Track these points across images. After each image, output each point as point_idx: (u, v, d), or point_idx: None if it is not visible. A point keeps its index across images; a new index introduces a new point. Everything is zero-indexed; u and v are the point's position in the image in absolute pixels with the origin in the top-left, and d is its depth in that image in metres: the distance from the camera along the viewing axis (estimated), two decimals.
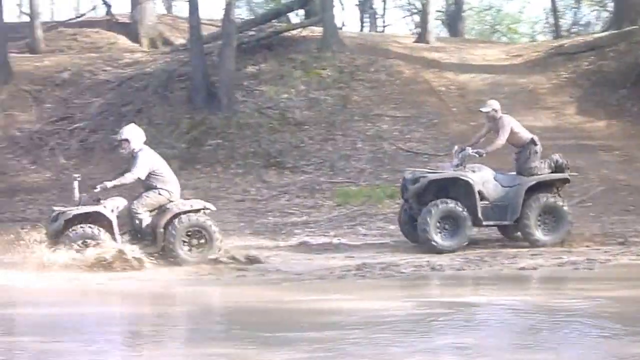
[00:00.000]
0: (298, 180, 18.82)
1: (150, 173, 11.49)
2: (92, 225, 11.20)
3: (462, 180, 12.28)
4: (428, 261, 11.78)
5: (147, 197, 11.55)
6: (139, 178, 11.48)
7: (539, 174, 12.57)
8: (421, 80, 22.21)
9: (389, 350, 7.17)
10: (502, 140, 12.51)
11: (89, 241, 11.10)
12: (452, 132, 19.69)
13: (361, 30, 36.26)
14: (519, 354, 7.14)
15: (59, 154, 21.24)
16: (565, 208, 12.59)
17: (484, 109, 12.78)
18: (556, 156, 12.80)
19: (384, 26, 39.66)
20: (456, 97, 21.50)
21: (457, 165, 12.47)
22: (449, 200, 12.21)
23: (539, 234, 12.47)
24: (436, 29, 30.57)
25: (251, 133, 20.49)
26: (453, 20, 31.95)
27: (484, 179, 12.43)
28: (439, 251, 12.19)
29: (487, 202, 12.40)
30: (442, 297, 10.02)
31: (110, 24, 28.68)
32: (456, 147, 12.81)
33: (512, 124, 12.62)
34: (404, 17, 41.45)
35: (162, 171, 11.60)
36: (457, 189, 12.35)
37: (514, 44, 30.78)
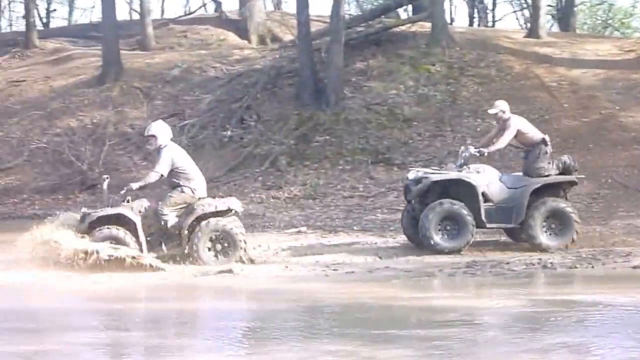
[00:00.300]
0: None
1: (173, 169, 11.51)
2: (118, 227, 11.31)
3: (465, 181, 12.16)
4: (540, 259, 11.76)
5: (171, 196, 11.57)
6: (162, 175, 11.53)
7: (547, 175, 12.40)
8: (532, 75, 21.97)
9: (499, 348, 7.24)
10: (504, 141, 12.49)
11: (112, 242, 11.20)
12: (564, 128, 19.45)
13: (470, 25, 36.01)
14: (631, 353, 7.10)
15: None
16: (572, 212, 12.33)
17: (491, 111, 12.73)
18: (565, 157, 12.65)
19: (494, 21, 39.29)
20: (568, 92, 21.19)
21: (461, 166, 12.38)
22: (451, 201, 12.10)
23: (543, 238, 12.26)
24: (547, 23, 30.15)
25: (359, 129, 20.63)
26: (564, 15, 31.42)
27: (488, 180, 12.33)
28: (438, 252, 12.12)
29: (491, 204, 12.28)
30: (554, 296, 10.01)
31: (220, 21, 29.31)
32: (462, 148, 12.76)
33: (520, 125, 12.55)
34: (514, 12, 40.90)
35: (185, 167, 11.59)
36: (461, 190, 12.22)
37: (626, 39, 30.07)
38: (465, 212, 11.97)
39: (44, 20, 36.95)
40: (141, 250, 11.27)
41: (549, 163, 12.36)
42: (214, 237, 11.50)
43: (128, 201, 11.61)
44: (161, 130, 11.65)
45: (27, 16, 30.16)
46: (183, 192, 11.50)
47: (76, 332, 8.17)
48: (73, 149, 21.38)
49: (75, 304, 9.82)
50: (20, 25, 33.32)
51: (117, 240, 11.15)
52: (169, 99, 23.84)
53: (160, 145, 11.54)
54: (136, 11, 32.45)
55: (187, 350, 7.47)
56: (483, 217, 12.09)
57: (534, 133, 12.61)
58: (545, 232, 12.23)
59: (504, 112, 12.50)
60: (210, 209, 11.57)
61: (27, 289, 10.31)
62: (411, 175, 12.55)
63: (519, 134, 12.46)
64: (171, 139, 11.78)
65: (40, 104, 24.26)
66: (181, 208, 11.57)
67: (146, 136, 11.80)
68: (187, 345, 7.72)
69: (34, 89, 25.47)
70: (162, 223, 11.47)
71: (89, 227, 11.31)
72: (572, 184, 12.60)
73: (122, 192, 11.54)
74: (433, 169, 12.85)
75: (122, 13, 34.91)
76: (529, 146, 12.57)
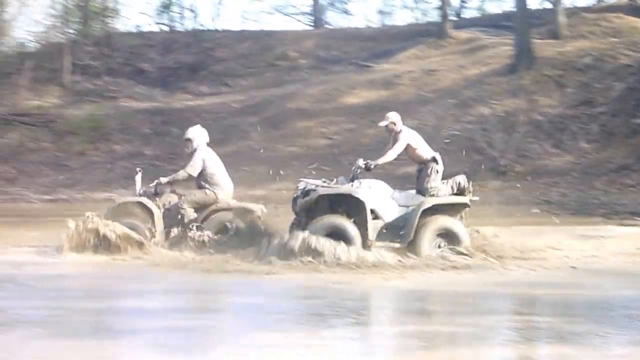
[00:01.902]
0: None
1: (202, 172, 12.44)
2: (137, 216, 12.25)
3: (353, 197, 11.65)
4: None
5: (194, 194, 12.49)
6: (190, 175, 12.46)
7: (438, 195, 11.89)
8: None
9: None
10: (391, 154, 12.02)
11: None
12: None
13: None
14: None
15: (579, 138, 22.88)
16: (463, 233, 11.67)
17: (381, 123, 12.23)
18: (459, 178, 12.02)
19: None
20: None
21: (352, 180, 11.88)
22: (335, 216, 11.60)
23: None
24: None
25: None
26: None
27: (379, 197, 11.86)
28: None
29: (381, 221, 11.75)
30: None
31: (632, 9, 29.63)
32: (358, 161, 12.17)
33: (411, 139, 12.06)
34: None
35: (214, 172, 12.47)
36: (349, 205, 11.69)
37: None
38: (350, 227, 11.48)
39: (457, 11, 39.40)
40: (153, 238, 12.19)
41: (443, 183, 11.96)
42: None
43: (157, 194, 12.55)
44: (197, 135, 12.68)
45: (442, 7, 32.71)
46: (206, 194, 12.45)
47: (486, 315, 8.49)
48: (485, 136, 23.12)
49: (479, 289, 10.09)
50: (434, 16, 36.00)
51: (132, 228, 12.09)
52: (580, 87, 24.82)
53: (195, 148, 12.58)
54: (548, 0, 33.71)
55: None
56: (370, 235, 11.58)
57: (424, 150, 12.13)
58: (434, 252, 11.62)
59: (394, 124, 12.11)
60: (223, 206, 12.48)
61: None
62: (301, 186, 12.12)
63: (409, 149, 12.09)
64: (207, 144, 12.69)
65: (454, 93, 26.38)
66: (200, 207, 12.46)
67: (184, 139, 12.77)
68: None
69: (448, 77, 27.70)
70: (180, 216, 12.34)
71: (112, 214, 12.38)
72: (464, 206, 11.94)
73: (152, 184, 12.60)
74: (324, 182, 12.10)
75: (533, 2, 36.28)
76: (419, 163, 12.16)
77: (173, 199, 12.53)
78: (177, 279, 10.49)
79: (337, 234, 11.36)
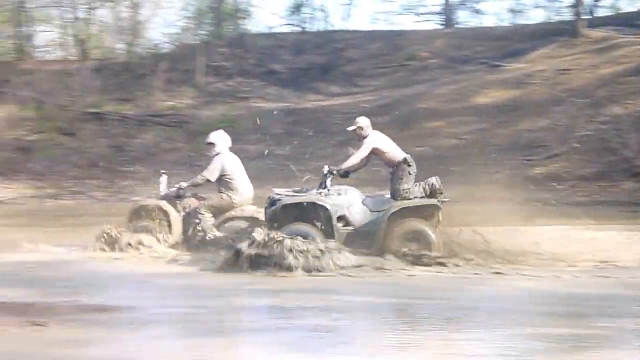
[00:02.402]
0: None
1: (221, 176, 12.57)
2: (153, 219, 12.55)
3: (319, 204, 11.65)
4: None
5: (212, 199, 12.68)
6: (208, 180, 12.60)
7: (410, 198, 11.75)
8: None
9: None
10: (355, 158, 11.99)
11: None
12: None
13: None
14: None
15: None
16: (433, 236, 11.52)
17: (349, 128, 12.18)
18: (433, 180, 11.90)
19: None
20: None
21: (320, 187, 11.89)
22: (300, 225, 11.54)
23: (402, 265, 11.31)
24: None
25: None
26: None
27: (349, 203, 11.83)
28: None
29: (352, 228, 11.73)
30: None
31: None
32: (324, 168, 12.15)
33: (378, 144, 12.03)
34: None
35: (233, 177, 12.59)
36: (316, 213, 11.67)
37: None
38: (314, 234, 11.42)
39: (591, 9, 38.86)
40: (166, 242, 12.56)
41: (416, 185, 11.85)
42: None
43: (179, 197, 12.77)
44: (219, 139, 12.83)
45: (576, 6, 32.40)
46: (223, 198, 12.64)
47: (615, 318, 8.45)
48: (619, 137, 22.86)
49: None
50: (567, 15, 35.66)
51: (148, 232, 12.51)
52: None
53: (217, 152, 12.72)
54: None
55: None
56: (337, 241, 11.49)
57: (395, 153, 12.06)
58: (405, 255, 11.50)
59: (362, 129, 12.06)
60: (237, 214, 12.66)
61: None
62: (273, 195, 12.23)
63: (379, 153, 12.05)
64: (229, 148, 12.86)
65: (587, 93, 26.12)
66: (217, 212, 12.64)
67: (206, 143, 12.90)
68: None
69: (581, 77, 27.44)
70: (197, 221, 12.57)
71: (130, 217, 12.88)
72: (436, 208, 11.75)
73: (173, 189, 12.86)
74: (294, 191, 12.22)
75: None
76: (391, 167, 12.03)
77: (193, 203, 12.79)
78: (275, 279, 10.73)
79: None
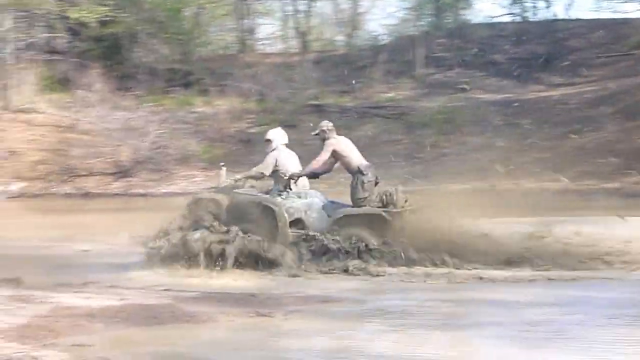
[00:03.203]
0: None
1: (275, 171, 12.46)
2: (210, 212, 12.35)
3: (268, 206, 11.94)
4: None
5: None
6: (262, 173, 12.58)
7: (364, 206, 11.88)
8: None
9: None
10: (316, 162, 12.18)
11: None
12: None
13: None
14: None
15: None
16: (371, 242, 11.56)
17: (314, 132, 12.41)
18: (391, 189, 11.87)
19: None
20: None
21: (284, 188, 12.15)
22: (240, 227, 11.70)
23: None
24: None
25: None
26: None
27: (307, 207, 12.06)
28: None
29: (307, 232, 11.85)
30: None
31: None
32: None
33: (339, 147, 12.17)
34: None
35: (286, 172, 12.38)
36: (263, 213, 11.92)
37: None
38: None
39: None
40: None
41: (374, 194, 11.87)
42: None
43: (235, 189, 12.61)
44: (276, 136, 12.87)
45: None
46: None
47: None
48: None
49: None
50: None
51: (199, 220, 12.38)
52: None
53: (273, 148, 12.69)
54: None
55: None
56: (282, 242, 11.72)
57: (353, 159, 12.11)
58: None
59: (324, 131, 12.21)
60: None
61: None
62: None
63: (338, 157, 12.17)
64: (285, 145, 12.81)
65: None
66: None
67: (264, 140, 12.95)
68: None
69: None
70: None
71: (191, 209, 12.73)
72: (381, 217, 11.66)
73: (232, 179, 12.82)
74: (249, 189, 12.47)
75: None
76: (350, 173, 12.14)
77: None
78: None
79: None
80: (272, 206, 11.99)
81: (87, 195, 26.61)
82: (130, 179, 27.64)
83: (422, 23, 35.17)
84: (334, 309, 8.92)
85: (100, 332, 7.60)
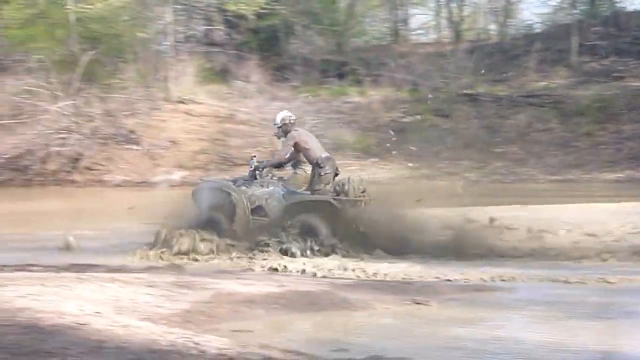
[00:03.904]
0: None
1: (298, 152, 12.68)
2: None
3: (225, 192, 12.75)
4: None
5: (293, 177, 12.95)
6: (286, 158, 12.80)
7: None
8: None
9: None
10: (280, 154, 12.96)
11: None
12: None
13: None
14: None
15: None
16: (321, 228, 12.25)
17: (275, 124, 12.90)
18: (345, 180, 12.59)
19: None
20: None
21: (251, 177, 12.84)
22: (208, 214, 12.67)
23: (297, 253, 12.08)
24: None
25: None
26: None
27: (268, 195, 12.66)
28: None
29: (267, 219, 12.58)
30: None
31: None
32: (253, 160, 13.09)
33: (301, 139, 12.69)
34: None
35: (309, 152, 12.57)
36: (225, 200, 12.72)
37: None
38: (217, 220, 12.59)
39: None
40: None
41: (327, 184, 12.48)
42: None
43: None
44: (288, 119, 12.83)
45: None
46: (296, 173, 13.04)
47: None
48: None
49: None
50: None
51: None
52: None
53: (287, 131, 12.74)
54: None
55: None
56: (237, 229, 12.56)
57: (313, 151, 12.63)
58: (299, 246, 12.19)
59: (285, 124, 12.73)
60: None
61: None
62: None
63: (300, 149, 12.67)
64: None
65: None
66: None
67: (274, 125, 12.96)
68: None
69: None
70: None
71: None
72: (328, 204, 12.35)
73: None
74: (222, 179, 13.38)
75: None
76: (310, 164, 12.67)
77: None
78: None
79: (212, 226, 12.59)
80: (231, 192, 12.79)
81: None
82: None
83: (577, 11, 34.36)
84: (488, 298, 8.85)
85: (261, 318, 7.76)
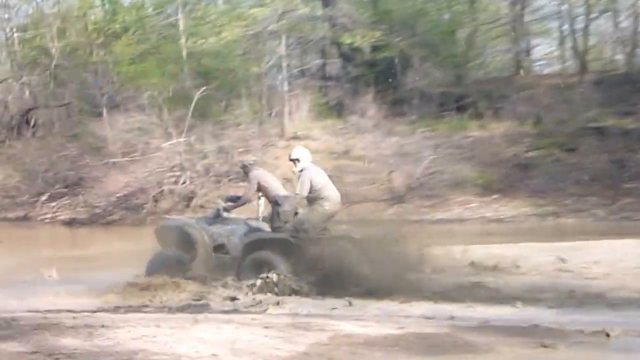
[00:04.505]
0: None
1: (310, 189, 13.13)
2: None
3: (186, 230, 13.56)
4: None
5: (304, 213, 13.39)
6: (298, 194, 13.24)
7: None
8: None
9: None
10: (246, 195, 13.78)
11: None
12: None
13: None
14: None
15: None
16: (277, 263, 12.71)
17: (240, 167, 14.25)
18: (304, 218, 13.08)
19: None
20: None
21: (215, 216, 13.68)
22: (167, 251, 13.47)
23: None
24: None
25: None
26: None
27: (231, 232, 13.37)
28: None
29: (229, 256, 13.24)
30: None
31: None
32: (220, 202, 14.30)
33: (261, 178, 13.56)
34: None
35: (320, 188, 13.14)
36: (186, 238, 13.47)
37: None
38: (180, 257, 13.26)
39: None
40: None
41: (286, 222, 13.05)
42: None
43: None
44: (303, 155, 13.51)
45: None
46: (314, 210, 13.21)
47: None
48: None
49: None
50: None
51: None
52: None
53: (302, 168, 13.32)
54: None
55: None
56: (199, 267, 13.15)
57: (273, 191, 13.40)
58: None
59: (246, 167, 13.80)
60: None
61: None
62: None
63: (262, 189, 13.50)
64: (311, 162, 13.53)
65: None
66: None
67: (290, 159, 13.57)
68: None
69: None
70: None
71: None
72: (286, 241, 12.89)
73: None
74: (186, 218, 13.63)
75: None
76: (270, 203, 13.35)
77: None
78: None
79: (173, 264, 13.13)
80: (190, 231, 13.60)
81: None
82: (404, 205, 27.91)
83: None
84: (615, 341, 8.63)
85: None
